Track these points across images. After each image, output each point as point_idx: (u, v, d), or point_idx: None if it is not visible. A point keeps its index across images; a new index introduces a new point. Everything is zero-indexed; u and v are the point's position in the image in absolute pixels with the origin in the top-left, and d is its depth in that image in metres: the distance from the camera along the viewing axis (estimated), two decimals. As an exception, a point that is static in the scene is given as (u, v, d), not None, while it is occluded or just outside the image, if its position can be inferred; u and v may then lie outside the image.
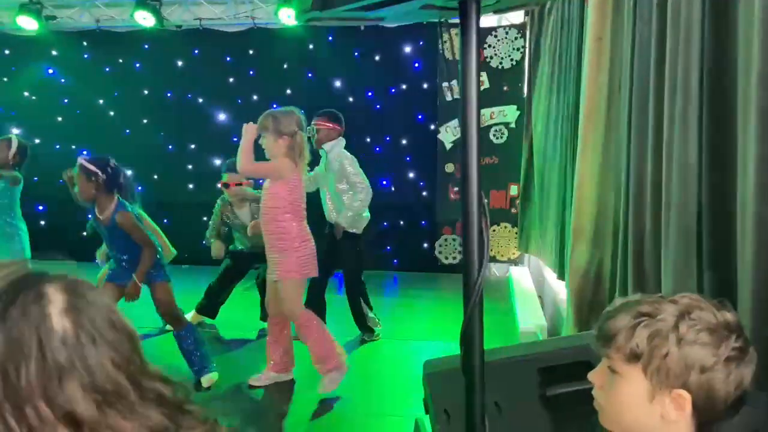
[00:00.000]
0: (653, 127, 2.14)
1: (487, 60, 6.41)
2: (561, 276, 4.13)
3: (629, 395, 1.04)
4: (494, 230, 6.56)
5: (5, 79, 7.22)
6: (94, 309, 0.73)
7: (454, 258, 6.65)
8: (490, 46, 6.43)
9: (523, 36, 6.35)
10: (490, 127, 6.46)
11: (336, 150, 4.34)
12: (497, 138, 6.47)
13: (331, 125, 4.39)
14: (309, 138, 4.56)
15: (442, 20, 1.11)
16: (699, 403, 1.01)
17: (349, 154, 4.37)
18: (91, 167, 3.50)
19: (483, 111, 6.22)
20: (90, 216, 3.70)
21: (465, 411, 1.09)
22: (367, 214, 4.44)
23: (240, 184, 4.54)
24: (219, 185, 4.64)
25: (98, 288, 0.78)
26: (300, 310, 3.48)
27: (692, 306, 1.04)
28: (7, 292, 0.71)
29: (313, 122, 4.38)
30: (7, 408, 0.66)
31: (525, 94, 6.22)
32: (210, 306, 4.84)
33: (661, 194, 2.01)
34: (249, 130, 3.37)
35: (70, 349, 0.69)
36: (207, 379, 3.71)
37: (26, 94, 7.21)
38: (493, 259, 6.58)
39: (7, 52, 7.16)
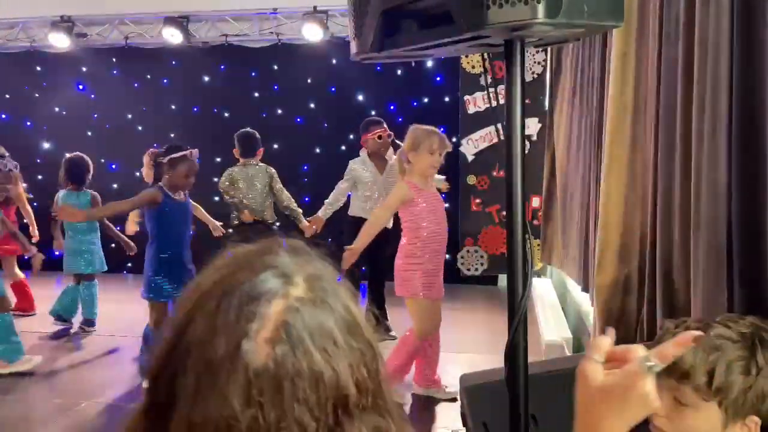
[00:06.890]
0: (681, 145, 2.18)
1: (509, 74, 6.46)
2: (585, 288, 4.15)
3: (702, 426, 1.06)
4: (516, 242, 6.57)
5: (37, 95, 7.42)
6: None
7: (476, 269, 6.67)
8: (511, 59, 6.47)
9: (545, 50, 6.40)
10: (511, 139, 6.49)
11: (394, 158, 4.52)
12: (519, 150, 6.50)
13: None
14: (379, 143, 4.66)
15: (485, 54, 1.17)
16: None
17: None
18: None
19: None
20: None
21: (510, 424, 1.14)
22: None
23: None
24: None
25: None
26: None
27: (761, 335, 1.08)
28: None
29: (379, 130, 4.58)
30: None
31: (546, 108, 6.25)
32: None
33: (690, 212, 2.05)
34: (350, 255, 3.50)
35: None
36: None
37: (57, 109, 7.40)
38: (515, 271, 6.58)
39: (38, 68, 7.35)
